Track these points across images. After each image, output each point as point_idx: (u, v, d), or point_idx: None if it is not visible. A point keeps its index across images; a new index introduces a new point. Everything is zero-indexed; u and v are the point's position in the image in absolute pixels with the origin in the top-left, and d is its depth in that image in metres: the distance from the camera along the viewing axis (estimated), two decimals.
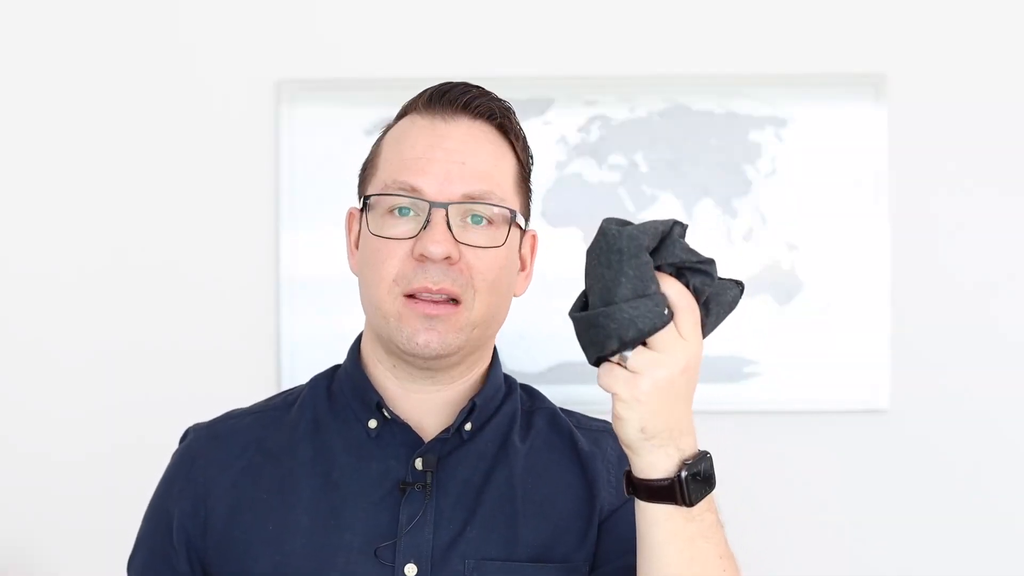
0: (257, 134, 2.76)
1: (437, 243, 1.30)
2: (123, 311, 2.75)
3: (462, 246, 1.32)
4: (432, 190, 1.32)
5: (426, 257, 1.30)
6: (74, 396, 2.74)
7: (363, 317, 1.41)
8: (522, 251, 1.40)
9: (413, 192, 1.32)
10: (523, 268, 1.41)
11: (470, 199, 1.32)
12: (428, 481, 1.34)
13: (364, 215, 1.37)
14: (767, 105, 2.75)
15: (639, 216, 2.72)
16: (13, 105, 2.77)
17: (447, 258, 1.31)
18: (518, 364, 2.74)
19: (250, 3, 2.77)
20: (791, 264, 2.75)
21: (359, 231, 1.39)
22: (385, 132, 1.41)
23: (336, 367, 1.46)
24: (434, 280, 1.31)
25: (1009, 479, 2.75)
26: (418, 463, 1.35)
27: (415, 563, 1.31)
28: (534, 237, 1.43)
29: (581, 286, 1.11)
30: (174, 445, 1.46)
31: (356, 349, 1.43)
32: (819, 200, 2.74)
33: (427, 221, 1.31)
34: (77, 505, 2.72)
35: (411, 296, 1.32)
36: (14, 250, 2.77)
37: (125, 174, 2.76)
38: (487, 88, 1.42)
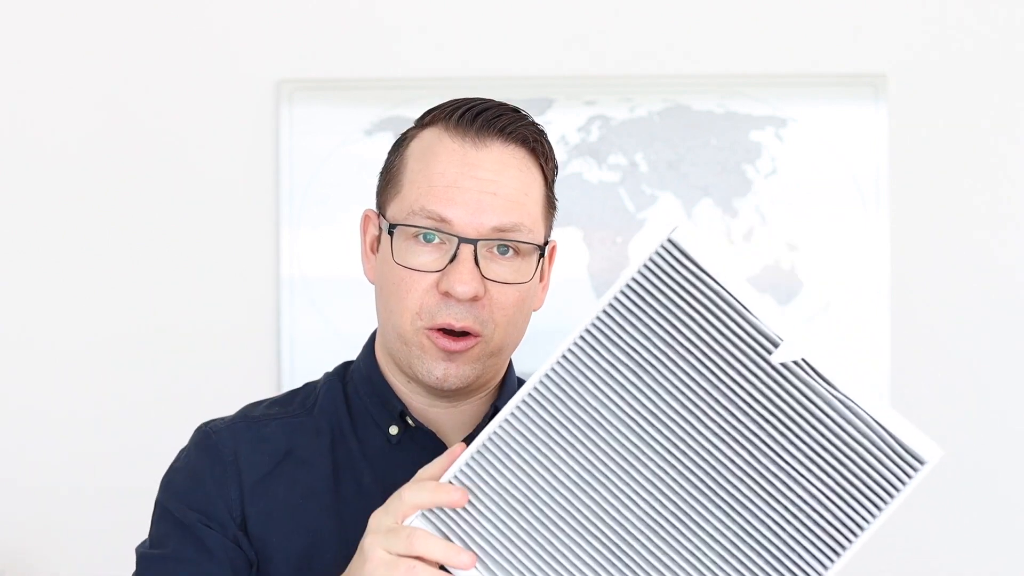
0: (257, 134, 2.76)
1: (465, 283, 1.27)
2: (123, 311, 2.75)
3: (488, 282, 1.30)
4: (461, 222, 1.28)
5: (451, 295, 1.29)
6: (74, 396, 2.74)
7: (370, 319, 1.39)
8: (542, 265, 1.38)
9: (442, 223, 1.29)
10: (541, 279, 1.39)
11: (499, 233, 1.29)
12: None
13: (384, 234, 1.34)
14: (767, 105, 2.75)
15: (638, 216, 2.72)
16: (14, 104, 2.77)
17: (473, 297, 1.29)
18: (518, 364, 2.73)
19: (250, 3, 2.77)
20: (791, 264, 2.75)
21: (378, 236, 1.37)
22: (408, 138, 1.37)
23: (347, 364, 1.44)
24: (457, 317, 1.29)
25: (1009, 479, 2.75)
26: None
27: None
28: (553, 248, 1.41)
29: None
30: (175, 444, 1.43)
31: (371, 350, 1.41)
32: (819, 200, 2.74)
33: (455, 256, 1.28)
34: (77, 505, 2.72)
35: (430, 328, 1.30)
36: (13, 250, 2.77)
37: (125, 174, 2.76)
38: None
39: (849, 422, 1.09)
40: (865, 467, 1.09)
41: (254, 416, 1.39)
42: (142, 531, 1.40)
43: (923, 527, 2.74)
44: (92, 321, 2.75)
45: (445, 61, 2.76)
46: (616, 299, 1.12)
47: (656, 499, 1.11)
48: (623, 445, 1.11)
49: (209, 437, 1.37)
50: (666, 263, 1.11)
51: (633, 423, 1.11)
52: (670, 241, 1.11)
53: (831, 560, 1.09)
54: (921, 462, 1.08)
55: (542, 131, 1.36)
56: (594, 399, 1.12)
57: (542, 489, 1.12)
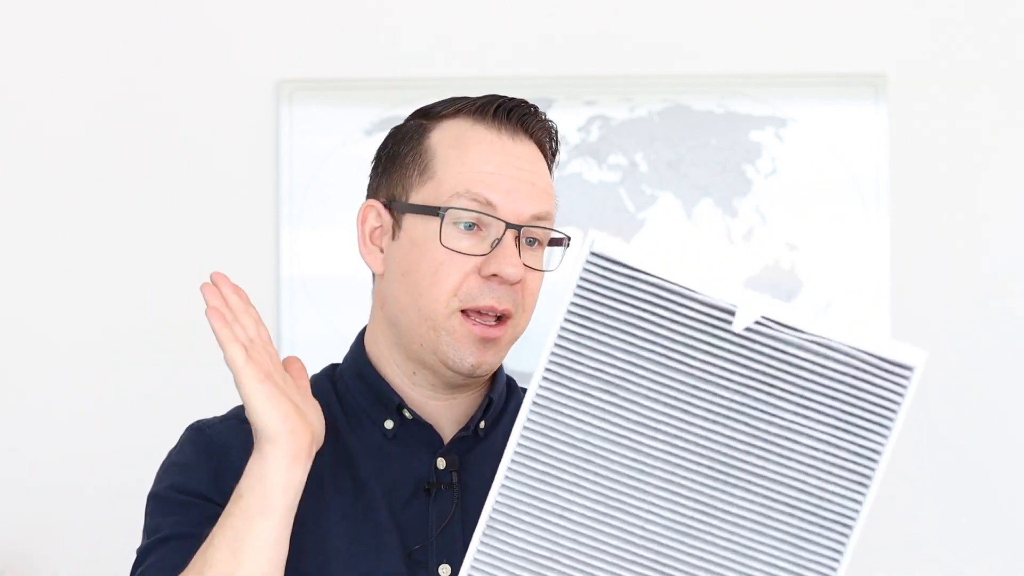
0: (257, 134, 2.76)
1: (515, 266, 1.31)
2: (123, 310, 2.75)
3: (525, 268, 1.34)
4: (506, 208, 1.32)
5: (497, 276, 1.31)
6: (74, 394, 2.74)
7: (366, 315, 1.40)
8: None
9: (488, 206, 1.32)
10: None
11: (536, 220, 1.35)
12: (454, 480, 1.34)
13: (411, 218, 1.35)
14: (767, 105, 2.75)
15: (638, 216, 2.72)
16: (13, 104, 2.77)
17: (520, 280, 1.32)
18: (516, 364, 2.73)
19: (250, 3, 2.78)
20: (791, 264, 2.75)
21: (378, 226, 1.38)
22: (425, 128, 1.39)
23: (333, 367, 1.44)
24: (499, 300, 1.32)
25: (1010, 479, 2.75)
26: (440, 463, 1.35)
27: (448, 563, 1.31)
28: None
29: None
30: (175, 443, 1.42)
31: (360, 348, 1.41)
32: (819, 200, 2.74)
33: (499, 240, 1.32)
34: (77, 504, 2.72)
35: (464, 312, 1.32)
36: (14, 249, 2.77)
37: (126, 173, 2.76)
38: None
39: (828, 358, 1.09)
40: (859, 393, 1.10)
41: (245, 416, 1.39)
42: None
43: (924, 523, 2.74)
44: (92, 320, 2.75)
45: (445, 61, 2.76)
46: (563, 328, 1.12)
47: (676, 503, 1.10)
48: (625, 464, 1.11)
49: (202, 432, 1.39)
50: (597, 275, 1.10)
51: (626, 439, 1.11)
52: (593, 253, 1.10)
53: (862, 494, 1.10)
54: (910, 368, 1.10)
55: (557, 130, 1.41)
56: (579, 432, 1.11)
57: (563, 537, 1.11)
